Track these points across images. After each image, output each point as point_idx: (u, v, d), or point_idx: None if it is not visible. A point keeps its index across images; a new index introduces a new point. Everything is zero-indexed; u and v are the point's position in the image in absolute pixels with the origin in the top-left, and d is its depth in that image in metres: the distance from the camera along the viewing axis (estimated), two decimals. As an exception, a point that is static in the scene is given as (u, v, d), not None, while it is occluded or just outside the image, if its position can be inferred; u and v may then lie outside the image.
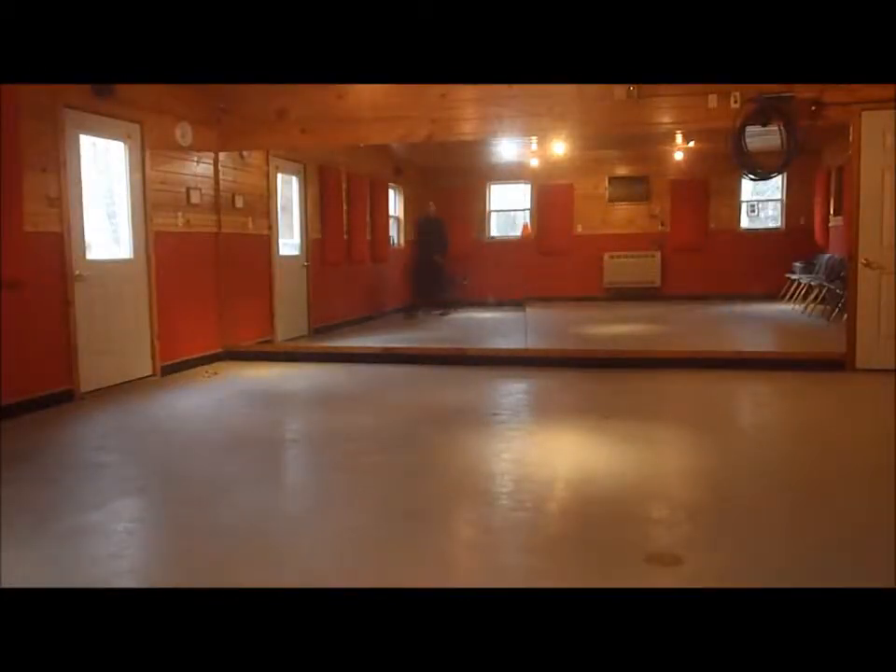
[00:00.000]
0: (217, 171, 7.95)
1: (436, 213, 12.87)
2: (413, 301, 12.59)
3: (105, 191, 7.03)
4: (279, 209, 9.33)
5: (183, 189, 7.43)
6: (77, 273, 6.09)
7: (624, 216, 14.28)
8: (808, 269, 11.61)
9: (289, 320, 9.40)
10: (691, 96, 6.87)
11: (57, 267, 5.92)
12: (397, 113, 7.39)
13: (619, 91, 6.95)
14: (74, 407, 5.89)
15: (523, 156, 12.57)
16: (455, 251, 14.45)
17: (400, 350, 8.12)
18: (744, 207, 14.12)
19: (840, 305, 8.85)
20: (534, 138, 10.07)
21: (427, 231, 12.67)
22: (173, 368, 7.25)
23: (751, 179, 8.18)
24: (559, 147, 10.43)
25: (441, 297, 12.55)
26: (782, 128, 6.75)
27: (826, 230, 12.07)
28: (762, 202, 14.46)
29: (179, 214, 7.37)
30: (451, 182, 14.35)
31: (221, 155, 8.00)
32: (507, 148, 11.56)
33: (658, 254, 14.02)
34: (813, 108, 6.59)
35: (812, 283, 10.86)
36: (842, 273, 8.62)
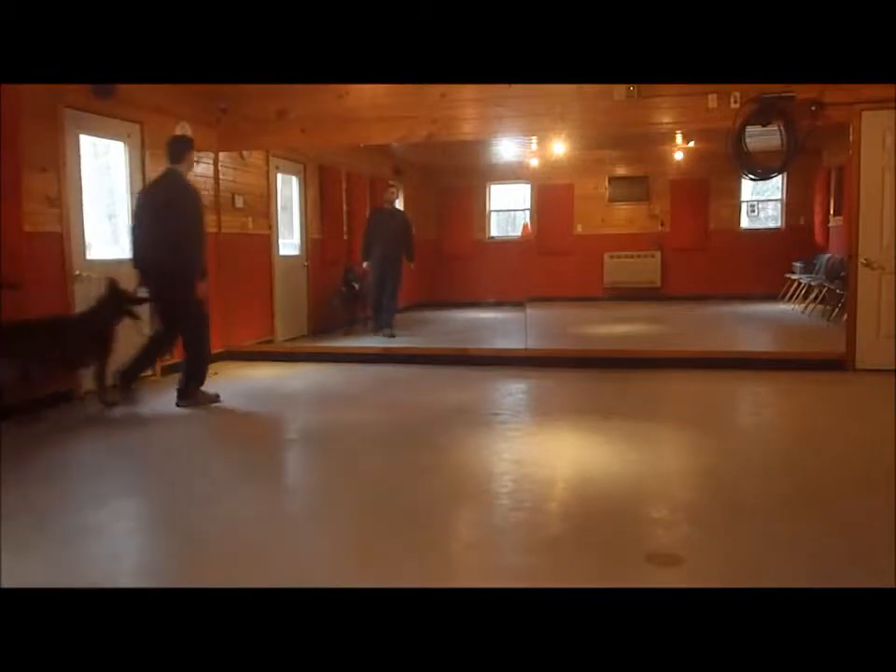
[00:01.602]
0: (217, 171, 7.95)
1: (394, 203, 10.04)
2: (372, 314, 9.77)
3: (105, 191, 7.03)
4: (279, 209, 9.33)
5: (183, 189, 7.42)
6: (77, 273, 6.09)
7: (624, 216, 14.28)
8: (808, 269, 11.61)
9: (289, 320, 9.40)
10: (691, 96, 6.87)
11: (57, 267, 5.92)
12: (397, 113, 7.39)
13: (619, 90, 6.95)
14: (74, 407, 5.89)
15: (523, 156, 12.57)
16: (456, 251, 14.48)
17: (400, 350, 8.12)
18: (744, 207, 14.12)
19: (840, 305, 8.85)
20: (534, 138, 10.06)
21: (385, 227, 9.54)
22: (173, 368, 7.24)
23: (751, 179, 8.17)
24: (559, 147, 10.43)
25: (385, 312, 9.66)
26: (782, 128, 6.76)
27: (826, 230, 12.07)
28: (762, 202, 14.46)
29: (179, 214, 7.36)
30: (451, 182, 14.36)
31: (221, 155, 8.00)
32: (507, 148, 11.56)
33: (658, 254, 14.02)
34: (813, 108, 6.59)
35: (812, 283, 10.86)
36: (842, 273, 8.62)
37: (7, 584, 2.74)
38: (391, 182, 9.88)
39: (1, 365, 5.09)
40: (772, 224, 14.18)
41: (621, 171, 14.27)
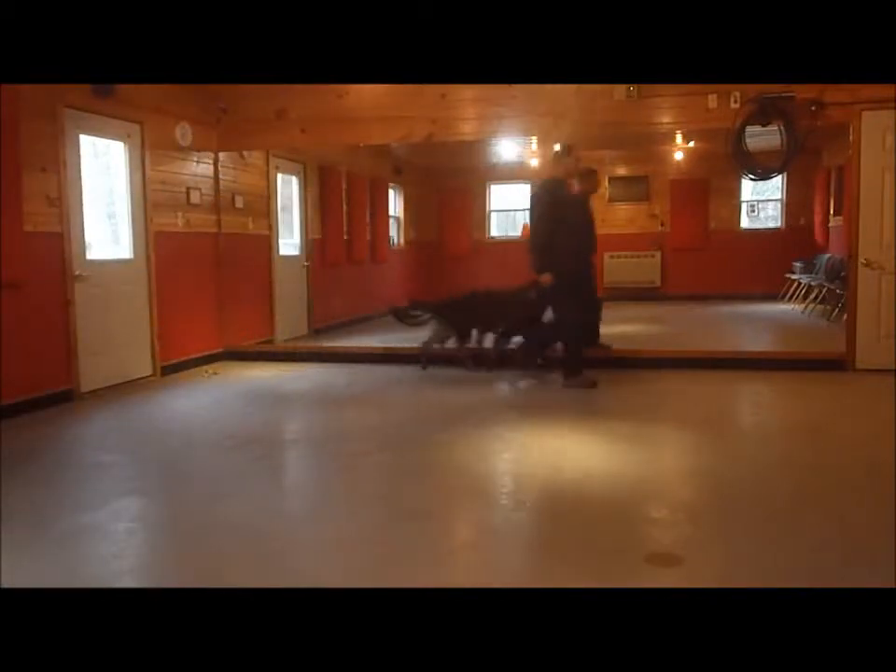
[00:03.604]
0: (216, 171, 7.95)
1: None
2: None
3: (105, 191, 7.03)
4: (279, 209, 9.33)
5: (183, 189, 7.43)
6: (77, 273, 6.09)
7: (624, 216, 14.28)
8: (808, 269, 11.61)
9: (289, 320, 9.41)
10: (691, 96, 6.88)
11: (57, 267, 5.92)
12: (397, 113, 7.39)
13: (619, 90, 6.95)
14: (74, 407, 5.90)
15: (523, 156, 12.56)
16: (456, 251, 14.46)
17: (400, 350, 8.11)
18: (744, 207, 14.11)
19: (840, 305, 8.85)
20: (534, 138, 10.06)
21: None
22: (173, 368, 7.25)
23: (751, 179, 8.17)
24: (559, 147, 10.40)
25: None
26: (782, 128, 6.75)
27: (826, 230, 12.07)
28: (762, 202, 14.46)
29: (179, 214, 7.37)
30: (451, 182, 14.35)
31: (221, 155, 8.00)
32: (507, 148, 11.55)
33: (658, 254, 14.02)
34: (813, 108, 6.59)
35: (812, 283, 10.86)
36: (842, 273, 8.62)
37: (6, 584, 2.74)
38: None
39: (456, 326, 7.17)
40: (772, 224, 14.18)
41: (621, 171, 14.27)
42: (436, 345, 7.37)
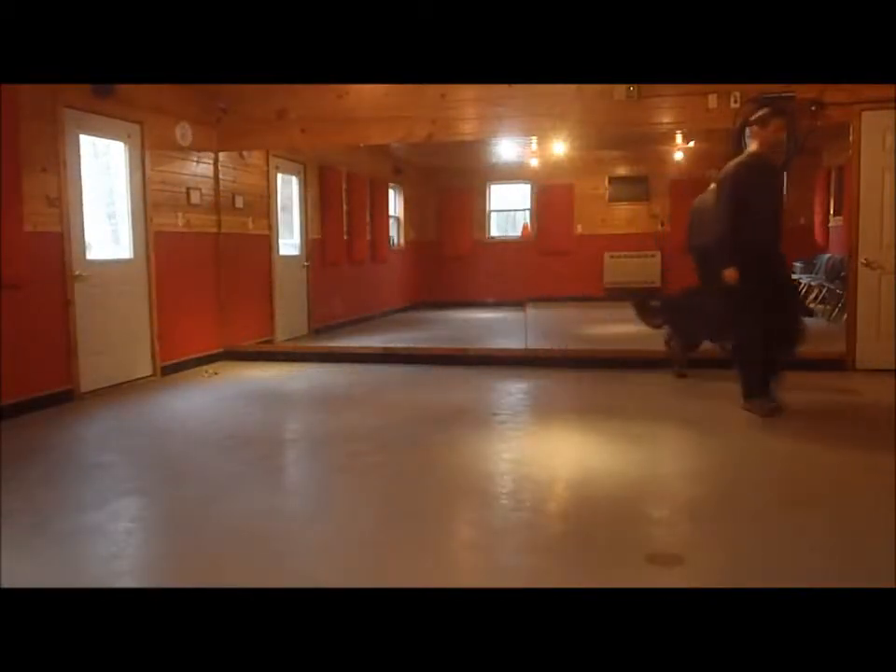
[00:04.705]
0: (216, 171, 7.95)
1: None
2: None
3: (105, 191, 7.03)
4: (279, 209, 9.33)
5: (183, 189, 7.43)
6: (77, 273, 6.09)
7: (624, 216, 14.27)
8: (808, 269, 11.60)
9: (289, 320, 9.41)
10: (691, 96, 6.88)
11: (57, 267, 5.92)
12: (397, 113, 7.39)
13: (619, 90, 6.96)
14: (74, 407, 5.90)
15: (523, 156, 12.56)
16: (456, 251, 14.46)
17: (400, 350, 8.12)
18: (744, 207, 14.08)
19: (840, 305, 8.85)
20: (534, 138, 10.06)
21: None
22: (173, 368, 7.25)
23: (751, 179, 8.15)
24: (559, 147, 10.42)
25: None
26: (782, 128, 6.74)
27: (826, 230, 12.06)
28: (762, 202, 14.42)
29: (179, 214, 7.37)
30: (451, 182, 14.35)
31: (221, 155, 8.00)
32: (507, 148, 11.55)
33: (658, 254, 14.01)
34: (813, 108, 6.59)
35: (812, 283, 10.86)
36: (842, 273, 8.62)
37: (6, 584, 2.74)
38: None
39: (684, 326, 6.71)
40: (772, 224, 14.15)
41: (621, 171, 14.26)
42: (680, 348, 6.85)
